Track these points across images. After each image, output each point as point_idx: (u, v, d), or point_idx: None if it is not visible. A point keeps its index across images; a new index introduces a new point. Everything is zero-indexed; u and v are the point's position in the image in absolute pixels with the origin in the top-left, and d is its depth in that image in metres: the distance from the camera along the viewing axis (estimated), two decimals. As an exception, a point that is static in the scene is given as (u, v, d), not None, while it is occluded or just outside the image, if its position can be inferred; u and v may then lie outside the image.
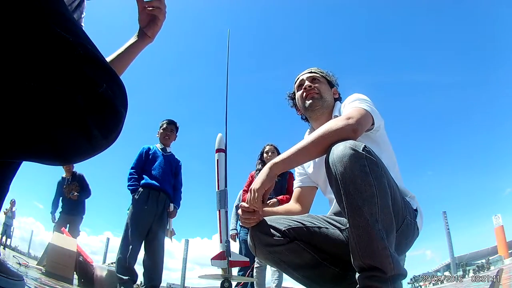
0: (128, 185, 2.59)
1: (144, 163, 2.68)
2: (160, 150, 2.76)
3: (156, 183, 2.58)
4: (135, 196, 2.53)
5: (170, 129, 2.81)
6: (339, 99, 1.30)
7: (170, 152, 2.82)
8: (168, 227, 2.70)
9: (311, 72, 1.29)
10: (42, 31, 0.38)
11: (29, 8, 0.38)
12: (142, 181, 2.59)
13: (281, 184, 2.72)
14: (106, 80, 0.44)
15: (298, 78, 1.31)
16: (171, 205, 2.65)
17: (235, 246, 3.14)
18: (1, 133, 0.39)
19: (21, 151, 0.43)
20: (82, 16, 0.92)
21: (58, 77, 0.39)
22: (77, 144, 0.44)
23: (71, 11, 0.84)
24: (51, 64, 0.38)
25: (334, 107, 1.24)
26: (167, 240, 2.67)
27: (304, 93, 1.24)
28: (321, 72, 1.29)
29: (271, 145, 2.96)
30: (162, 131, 2.80)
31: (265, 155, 2.93)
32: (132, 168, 2.65)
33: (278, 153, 2.92)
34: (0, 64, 0.36)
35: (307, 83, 1.25)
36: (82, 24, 0.93)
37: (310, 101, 1.22)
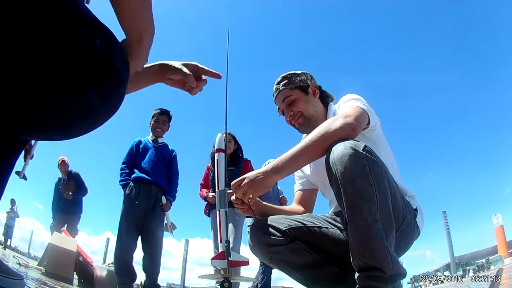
0: (119, 181, 2.52)
1: (135, 157, 2.60)
2: (151, 141, 2.66)
3: (146, 176, 2.48)
4: (126, 191, 2.45)
5: (163, 121, 2.68)
6: (326, 96, 1.27)
7: (163, 142, 2.70)
8: (166, 221, 2.60)
9: (281, 92, 1.23)
10: None
11: None
12: (133, 175, 2.51)
13: (234, 173, 2.61)
14: (102, 38, 0.38)
15: (274, 101, 1.27)
16: (163, 197, 2.53)
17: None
18: None
19: (13, 124, 0.37)
20: None
21: (45, 33, 0.33)
22: (72, 108, 0.38)
23: None
24: (38, 18, 0.33)
25: (328, 111, 1.23)
26: (167, 235, 2.57)
27: (290, 122, 1.24)
28: (290, 84, 1.22)
29: (228, 133, 2.80)
30: (154, 122, 2.67)
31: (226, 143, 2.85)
32: (123, 163, 2.58)
33: (235, 142, 2.85)
34: None
35: (286, 113, 1.23)
36: None
37: (298, 127, 1.22)
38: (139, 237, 2.44)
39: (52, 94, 0.35)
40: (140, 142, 2.66)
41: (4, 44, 0.31)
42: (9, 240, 8.95)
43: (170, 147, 2.73)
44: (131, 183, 2.48)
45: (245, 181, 0.96)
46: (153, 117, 2.69)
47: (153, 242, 2.44)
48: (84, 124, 0.42)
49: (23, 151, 3.04)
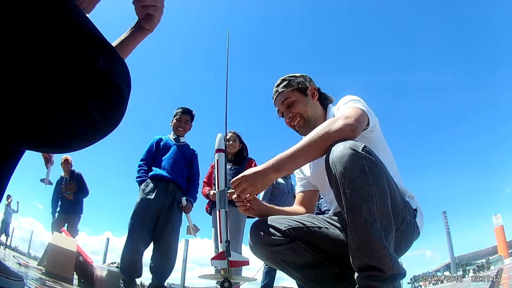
0: (136, 177, 2.43)
1: (154, 154, 2.51)
2: (173, 140, 2.57)
3: (165, 174, 2.38)
4: (142, 187, 2.35)
5: (185, 120, 2.59)
6: (325, 98, 1.28)
7: (184, 142, 2.62)
8: (188, 223, 2.51)
9: (280, 94, 1.24)
10: (36, 6, 0.34)
11: None
12: (151, 173, 2.41)
13: (238, 172, 2.62)
14: (104, 55, 0.39)
15: (274, 104, 1.29)
16: (183, 199, 2.41)
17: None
18: None
19: (16, 137, 0.38)
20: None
21: (51, 52, 0.34)
22: (75, 127, 0.39)
23: None
24: (44, 38, 0.34)
25: (327, 113, 1.23)
26: (188, 237, 2.52)
27: (290, 124, 1.24)
28: (290, 86, 1.23)
29: (233, 133, 2.86)
30: (176, 121, 2.58)
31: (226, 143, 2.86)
32: (141, 160, 2.50)
33: (240, 141, 2.85)
34: None
35: (285, 115, 1.24)
36: None
37: (298, 129, 1.23)
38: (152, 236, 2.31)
39: (57, 113, 0.36)
40: (160, 139, 2.58)
41: (10, 66, 0.32)
42: (8, 238, 8.83)
43: (191, 147, 2.66)
44: (148, 180, 2.39)
45: (244, 178, 0.98)
46: (175, 116, 2.61)
47: (165, 244, 2.32)
48: (85, 140, 0.43)
49: (44, 159, 3.11)
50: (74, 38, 0.36)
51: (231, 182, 1.01)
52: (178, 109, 2.63)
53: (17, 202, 8.96)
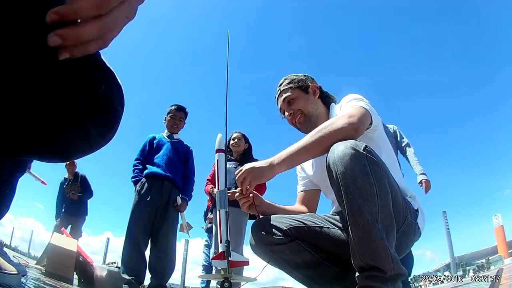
0: (131, 177, 2.41)
1: (149, 152, 2.50)
2: (167, 137, 2.56)
3: (160, 171, 2.36)
4: (137, 187, 2.34)
5: (179, 117, 2.58)
6: (326, 97, 1.28)
7: (178, 139, 2.60)
8: (182, 221, 2.49)
9: (282, 92, 1.25)
10: (43, 32, 0.36)
11: (30, 6, 0.36)
12: (145, 171, 2.39)
13: None
14: (106, 81, 0.44)
15: (276, 103, 1.30)
16: (178, 197, 2.39)
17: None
18: (5, 131, 0.39)
19: (24, 149, 0.44)
20: None
21: (58, 78, 0.38)
22: (75, 142, 0.45)
23: None
24: (50, 65, 0.38)
25: (330, 111, 1.23)
26: (182, 236, 2.43)
27: (291, 121, 1.25)
28: (291, 84, 1.25)
29: (239, 133, 2.89)
30: (169, 118, 2.57)
31: (231, 141, 2.86)
32: (135, 159, 2.49)
33: (246, 141, 2.87)
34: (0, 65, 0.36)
35: (286, 112, 1.25)
36: None
37: (299, 127, 1.23)
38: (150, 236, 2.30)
39: (61, 131, 0.42)
40: (154, 138, 2.56)
41: (18, 93, 0.37)
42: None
43: (185, 143, 2.63)
44: (143, 179, 2.36)
45: (246, 168, 0.99)
46: (168, 113, 2.59)
47: (161, 241, 2.30)
48: (82, 152, 0.49)
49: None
50: (79, 64, 0.40)
51: (235, 173, 1.02)
52: (171, 106, 2.61)
53: None
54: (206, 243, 4.05)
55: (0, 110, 0.37)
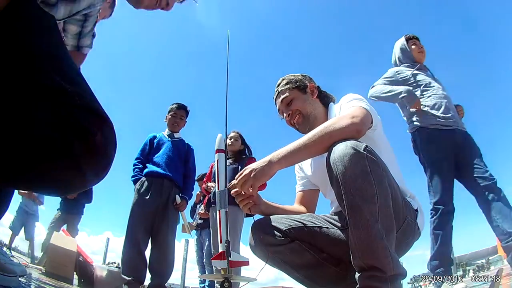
0: (131, 176, 2.40)
1: (149, 152, 2.48)
2: (167, 136, 2.54)
3: (159, 170, 2.34)
4: (137, 186, 2.32)
5: (180, 116, 2.57)
6: (325, 96, 1.28)
7: (179, 137, 2.58)
8: (182, 222, 2.47)
9: (280, 93, 1.26)
10: (43, 82, 0.44)
11: (31, 55, 0.44)
12: (145, 170, 2.38)
13: (237, 171, 2.62)
14: (101, 127, 0.50)
15: (275, 104, 1.30)
16: (177, 196, 2.35)
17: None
18: (8, 170, 0.45)
19: (25, 186, 0.54)
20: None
21: (56, 126, 0.44)
22: (72, 181, 0.51)
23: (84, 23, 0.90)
24: (49, 113, 0.44)
25: (329, 111, 1.23)
26: (184, 236, 2.48)
27: (290, 122, 1.25)
28: (289, 84, 1.25)
29: (236, 132, 2.90)
30: (170, 116, 2.55)
31: (228, 141, 2.84)
32: (136, 159, 2.48)
33: (242, 140, 2.87)
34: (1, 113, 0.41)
35: (284, 114, 1.25)
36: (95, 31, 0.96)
37: (298, 127, 1.23)
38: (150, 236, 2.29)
39: (61, 172, 0.47)
40: (154, 137, 2.55)
41: (26, 133, 0.43)
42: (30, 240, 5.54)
43: (186, 142, 2.62)
44: (143, 178, 2.34)
45: (246, 171, 0.98)
46: (169, 112, 2.57)
47: (161, 241, 2.28)
48: (76, 189, 0.54)
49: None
50: (77, 112, 0.47)
51: (235, 177, 1.01)
52: (172, 104, 2.60)
53: None
54: (197, 242, 3.93)
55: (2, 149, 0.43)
